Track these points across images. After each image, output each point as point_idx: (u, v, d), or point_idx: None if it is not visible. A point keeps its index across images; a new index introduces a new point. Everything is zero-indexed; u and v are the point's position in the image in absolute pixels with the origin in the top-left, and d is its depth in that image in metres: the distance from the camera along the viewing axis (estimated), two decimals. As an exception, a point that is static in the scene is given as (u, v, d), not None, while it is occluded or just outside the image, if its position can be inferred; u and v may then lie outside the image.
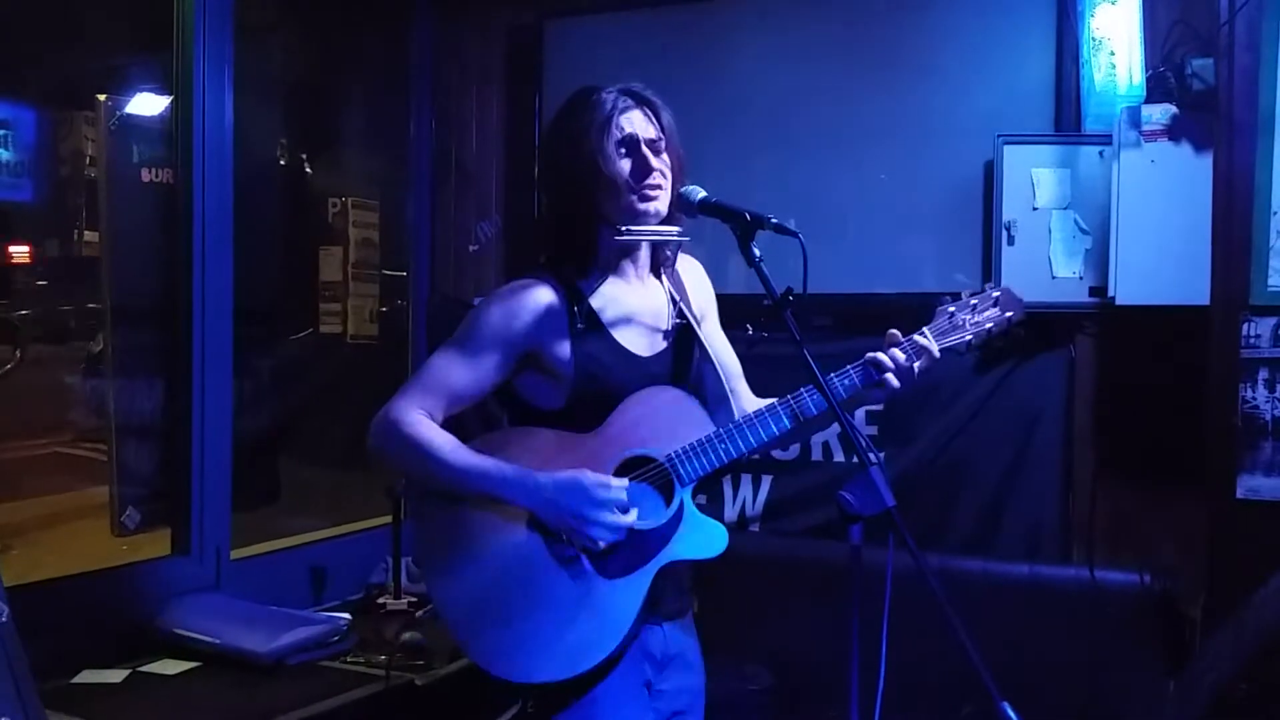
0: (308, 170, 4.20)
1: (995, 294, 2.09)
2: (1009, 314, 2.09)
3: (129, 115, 3.19)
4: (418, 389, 1.98)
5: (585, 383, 1.97)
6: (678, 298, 2.11)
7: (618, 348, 2.01)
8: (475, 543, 1.95)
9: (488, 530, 1.95)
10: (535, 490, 1.91)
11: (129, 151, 3.17)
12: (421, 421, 1.95)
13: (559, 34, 3.96)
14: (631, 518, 1.90)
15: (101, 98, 3.18)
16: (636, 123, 1.98)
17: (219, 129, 3.16)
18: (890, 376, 1.97)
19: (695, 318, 2.12)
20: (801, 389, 1.97)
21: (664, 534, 1.95)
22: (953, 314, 2.06)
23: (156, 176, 3.18)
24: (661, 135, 2.01)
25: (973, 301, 2.07)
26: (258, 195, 3.58)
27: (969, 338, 2.06)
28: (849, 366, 1.99)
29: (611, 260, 2.04)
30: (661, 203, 1.99)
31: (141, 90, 3.27)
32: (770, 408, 1.98)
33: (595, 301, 2.01)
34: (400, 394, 1.98)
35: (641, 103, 2.01)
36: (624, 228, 1.98)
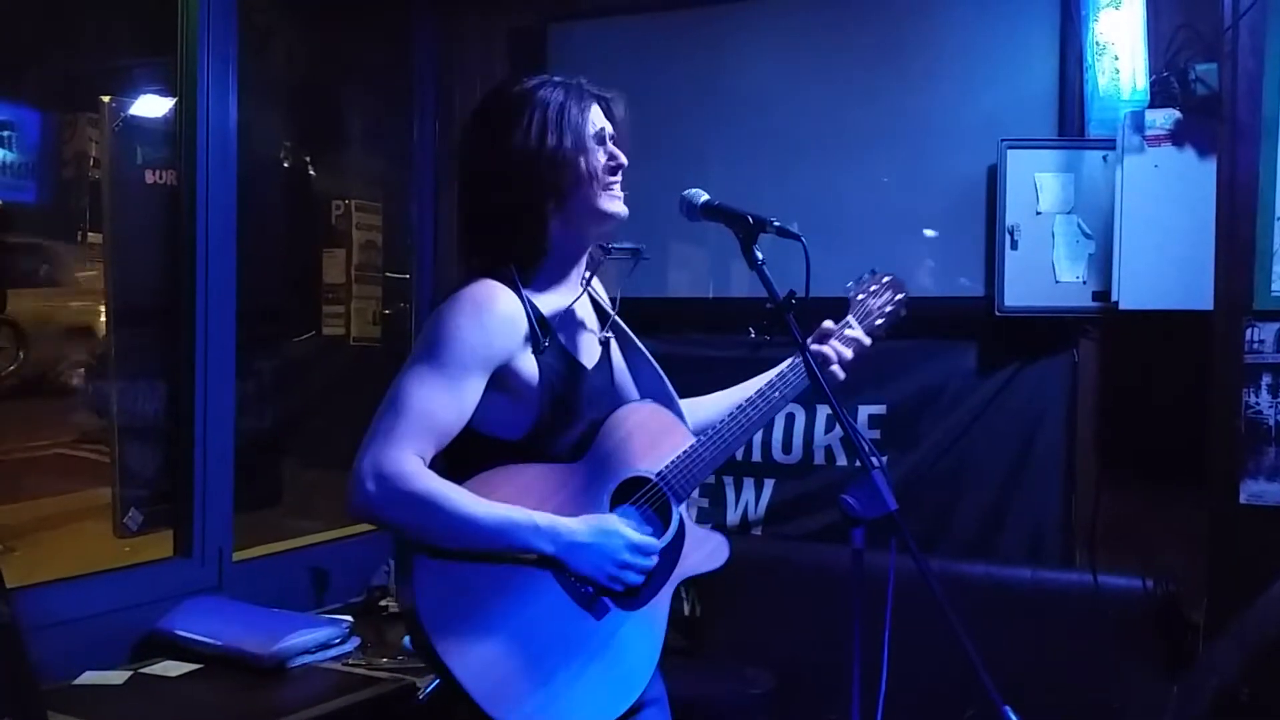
0: (311, 172, 4.20)
1: (886, 278, 2.23)
2: (899, 296, 2.24)
3: (133, 117, 3.19)
4: (405, 430, 1.71)
5: (548, 400, 1.84)
6: (603, 302, 2.06)
7: (570, 360, 1.90)
8: (490, 600, 1.74)
9: (501, 583, 1.76)
10: (569, 538, 1.77)
11: (133, 153, 3.17)
12: (423, 472, 1.70)
13: (562, 37, 3.96)
14: (656, 555, 1.88)
15: (105, 99, 3.18)
16: (600, 116, 1.92)
17: (223, 131, 3.16)
18: (837, 369, 2.09)
19: (620, 325, 2.06)
20: (764, 385, 2.04)
21: (673, 551, 1.93)
22: (864, 301, 2.19)
23: (160, 178, 3.19)
24: (616, 132, 1.95)
25: (872, 287, 2.22)
26: (261, 197, 3.59)
27: (880, 321, 2.19)
28: (791, 361, 2.06)
29: (561, 268, 1.93)
30: (623, 204, 1.92)
31: (145, 92, 3.27)
32: (741, 407, 2.01)
33: (546, 310, 1.88)
34: (383, 438, 1.70)
35: (597, 98, 1.94)
36: (610, 245, 1.96)
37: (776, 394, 2.03)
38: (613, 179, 1.91)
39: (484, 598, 1.74)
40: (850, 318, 2.15)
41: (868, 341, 2.14)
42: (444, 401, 1.75)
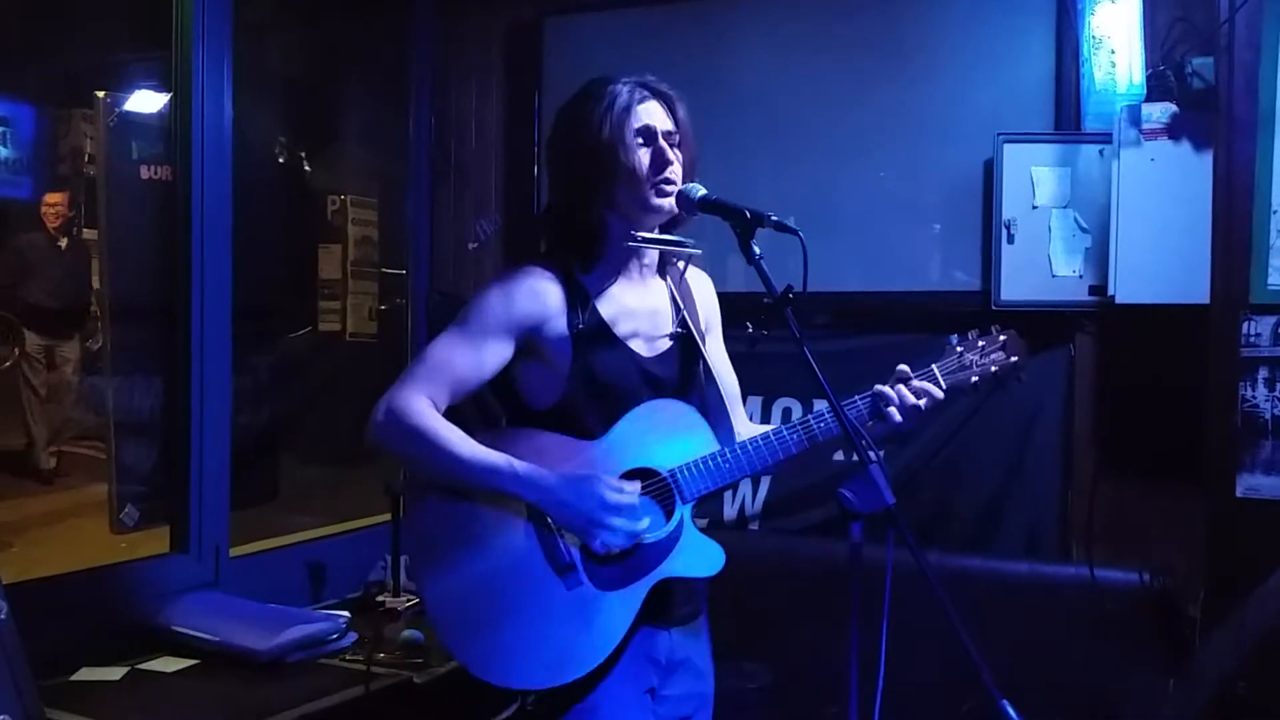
0: (307, 168, 4.20)
1: (1002, 338, 2.11)
2: (1014, 359, 2.10)
3: (128, 113, 3.19)
4: (420, 376, 1.92)
5: (581, 377, 1.95)
6: (681, 304, 2.09)
7: (617, 343, 1.99)
8: (470, 543, 1.91)
9: (484, 531, 1.91)
10: (547, 488, 1.87)
11: (128, 149, 3.17)
12: (427, 411, 1.89)
13: (559, 31, 3.96)
14: (644, 524, 1.90)
15: (101, 95, 3.18)
16: (655, 114, 1.97)
17: (218, 126, 3.14)
18: (894, 411, 1.98)
19: (699, 329, 2.10)
20: (809, 416, 1.98)
21: (662, 549, 1.94)
22: (961, 353, 2.08)
23: (155, 174, 3.18)
24: (676, 129, 1.99)
25: (980, 343, 2.10)
26: (257, 193, 3.59)
27: (975, 379, 2.08)
28: (856, 397, 2.00)
29: (618, 256, 2.01)
30: (671, 200, 1.97)
31: (141, 88, 3.27)
32: (777, 432, 1.97)
33: (596, 295, 1.99)
34: (402, 381, 1.92)
35: (658, 95, 1.99)
36: (638, 233, 1.97)
37: (816, 426, 1.97)
38: (658, 177, 1.95)
39: (465, 538, 1.91)
40: (934, 366, 2.05)
41: (940, 394, 2.02)
42: (460, 355, 1.93)
